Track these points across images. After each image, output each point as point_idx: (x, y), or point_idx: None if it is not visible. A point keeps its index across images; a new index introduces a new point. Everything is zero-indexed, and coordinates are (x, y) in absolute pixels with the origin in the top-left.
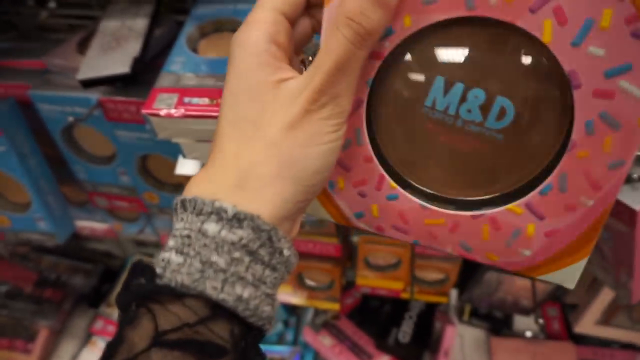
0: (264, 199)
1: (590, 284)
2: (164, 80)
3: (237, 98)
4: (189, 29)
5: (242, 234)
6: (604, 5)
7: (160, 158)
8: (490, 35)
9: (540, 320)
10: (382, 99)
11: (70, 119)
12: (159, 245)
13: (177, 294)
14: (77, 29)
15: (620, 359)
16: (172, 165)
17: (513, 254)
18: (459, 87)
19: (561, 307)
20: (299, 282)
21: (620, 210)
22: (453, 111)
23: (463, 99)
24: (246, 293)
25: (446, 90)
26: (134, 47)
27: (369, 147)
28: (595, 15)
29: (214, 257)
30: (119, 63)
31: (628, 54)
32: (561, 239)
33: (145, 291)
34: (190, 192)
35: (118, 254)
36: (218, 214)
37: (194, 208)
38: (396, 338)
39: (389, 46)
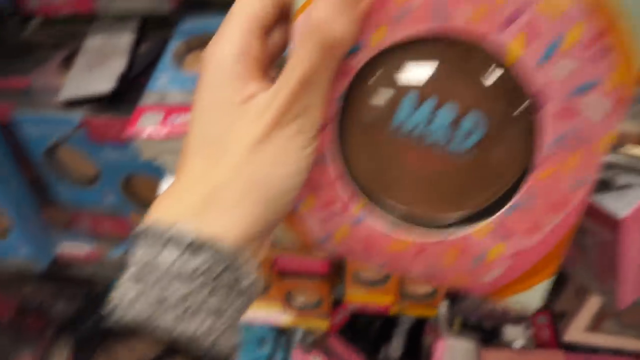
0: (230, 221)
1: (577, 291)
2: (149, 98)
3: (204, 115)
4: (175, 44)
5: (201, 260)
6: (573, 21)
7: (146, 178)
8: (459, 52)
9: (529, 330)
10: (350, 116)
11: (53, 140)
12: None
13: (131, 331)
14: (62, 46)
15: None
16: (157, 186)
17: (478, 276)
18: (427, 105)
19: (550, 315)
20: (288, 301)
21: (605, 219)
22: (421, 129)
23: (431, 117)
24: (205, 326)
25: (415, 108)
26: (119, 64)
27: (337, 166)
28: (564, 31)
29: (174, 286)
30: (103, 81)
31: (592, 71)
32: (527, 259)
33: (97, 329)
34: (154, 214)
35: (103, 277)
36: (177, 239)
37: (153, 234)
38: (387, 354)
39: (358, 62)
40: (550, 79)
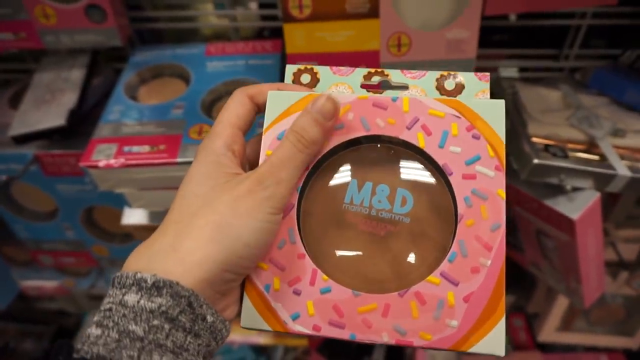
0: (192, 262)
1: (546, 293)
2: (102, 130)
3: (193, 178)
4: (128, 76)
5: (160, 301)
6: (451, 121)
7: (107, 209)
8: (386, 146)
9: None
10: (310, 201)
11: (4, 177)
12: None
13: None
14: (11, 82)
15: None
16: (120, 216)
17: (442, 327)
18: (368, 185)
19: (526, 317)
20: None
21: (560, 221)
22: (367, 203)
23: (373, 193)
24: None
25: (359, 188)
26: (70, 99)
27: (301, 244)
28: (448, 128)
29: (132, 327)
30: (54, 116)
31: (474, 149)
32: (478, 301)
33: None
34: (127, 261)
35: (73, 311)
36: (138, 284)
37: (119, 282)
38: None
39: (313, 160)
40: (449, 156)
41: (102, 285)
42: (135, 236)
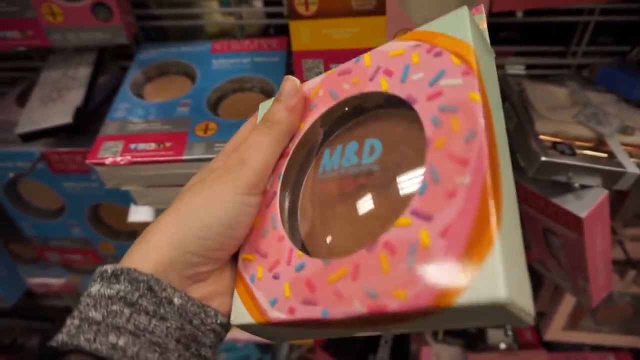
0: (152, 245)
1: (553, 292)
2: (109, 127)
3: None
4: (134, 74)
5: (119, 287)
6: (411, 52)
7: (113, 206)
8: (354, 106)
9: (510, 332)
10: (294, 185)
11: (11, 174)
12: None
13: (59, 353)
14: (19, 80)
15: None
16: (126, 213)
17: (423, 277)
18: (338, 148)
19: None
20: None
21: (568, 219)
22: (337, 166)
23: (342, 154)
24: (121, 341)
25: (331, 155)
26: (76, 97)
27: (282, 228)
28: (408, 60)
29: (92, 313)
30: (60, 114)
31: (436, 66)
32: (458, 232)
33: (49, 352)
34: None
35: None
36: (101, 275)
37: (92, 279)
38: None
39: (291, 147)
40: (412, 88)
41: None
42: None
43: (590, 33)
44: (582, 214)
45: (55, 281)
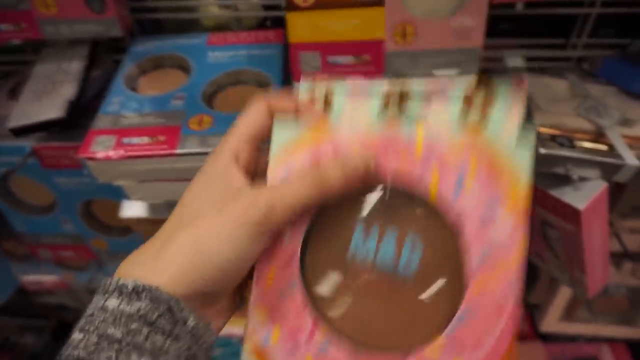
0: (168, 275)
1: (549, 284)
2: (101, 121)
3: (192, 189)
4: (127, 67)
5: (139, 305)
6: (470, 165)
7: (105, 202)
8: (396, 191)
9: None
10: (317, 248)
11: (3, 170)
12: None
13: None
14: (11, 74)
15: (587, 351)
16: (119, 209)
17: None
18: (374, 230)
19: (527, 307)
20: None
21: (566, 211)
22: (371, 256)
23: (379, 241)
24: None
25: (365, 235)
26: (69, 91)
27: (303, 296)
28: (465, 172)
29: (111, 330)
30: (53, 108)
31: (493, 199)
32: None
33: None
34: (118, 269)
35: (73, 305)
36: (120, 290)
37: (102, 289)
38: None
39: (315, 210)
40: (464, 206)
41: (102, 279)
42: (134, 229)
43: (591, 25)
44: (581, 206)
45: (48, 278)
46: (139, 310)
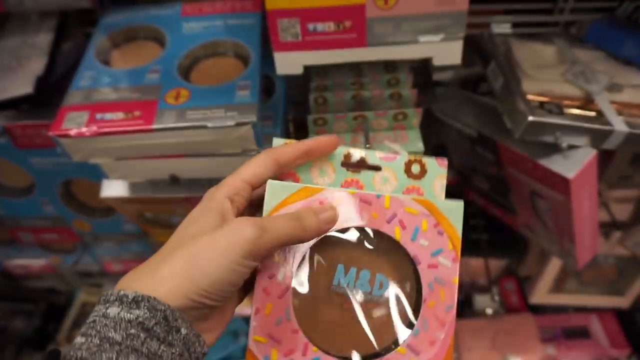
0: (170, 282)
1: (539, 256)
2: (73, 97)
3: (191, 217)
4: (98, 39)
5: (138, 313)
6: (422, 219)
7: (85, 182)
8: (369, 236)
9: (497, 297)
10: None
11: None
12: (104, 274)
13: None
14: None
15: (576, 321)
16: (99, 189)
17: None
18: (353, 270)
19: (517, 280)
20: None
21: (555, 180)
22: (351, 286)
23: (356, 277)
24: None
25: (345, 272)
26: (37, 66)
27: (295, 321)
28: (419, 224)
29: (112, 334)
30: (20, 84)
31: (438, 243)
32: None
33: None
34: (118, 283)
35: (62, 288)
36: (120, 299)
37: (104, 299)
38: None
39: (305, 247)
40: (419, 248)
41: (88, 261)
42: (116, 209)
43: None
44: (570, 175)
45: (34, 262)
46: (137, 317)
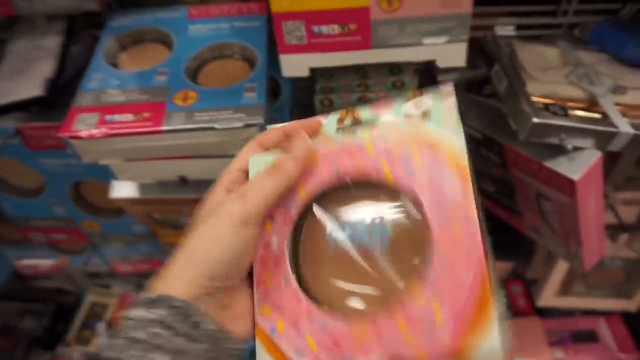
0: (182, 276)
1: (546, 259)
2: (82, 99)
3: (195, 221)
4: (106, 43)
5: (159, 312)
6: (413, 152)
7: (95, 183)
8: (358, 186)
9: (505, 300)
10: (301, 247)
11: None
12: (112, 275)
13: None
14: None
15: (583, 325)
16: (108, 190)
17: (438, 338)
18: (348, 222)
19: (524, 283)
20: None
21: (560, 182)
22: (350, 237)
23: (353, 228)
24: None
25: (340, 227)
26: (46, 68)
27: (296, 284)
28: (411, 157)
29: (135, 333)
30: (30, 86)
31: (438, 171)
32: (464, 311)
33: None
34: (147, 287)
35: (71, 289)
36: (143, 302)
37: (129, 305)
38: None
39: (295, 212)
40: (416, 179)
41: (97, 262)
42: (126, 210)
43: None
44: (575, 176)
45: (43, 262)
46: (159, 316)
